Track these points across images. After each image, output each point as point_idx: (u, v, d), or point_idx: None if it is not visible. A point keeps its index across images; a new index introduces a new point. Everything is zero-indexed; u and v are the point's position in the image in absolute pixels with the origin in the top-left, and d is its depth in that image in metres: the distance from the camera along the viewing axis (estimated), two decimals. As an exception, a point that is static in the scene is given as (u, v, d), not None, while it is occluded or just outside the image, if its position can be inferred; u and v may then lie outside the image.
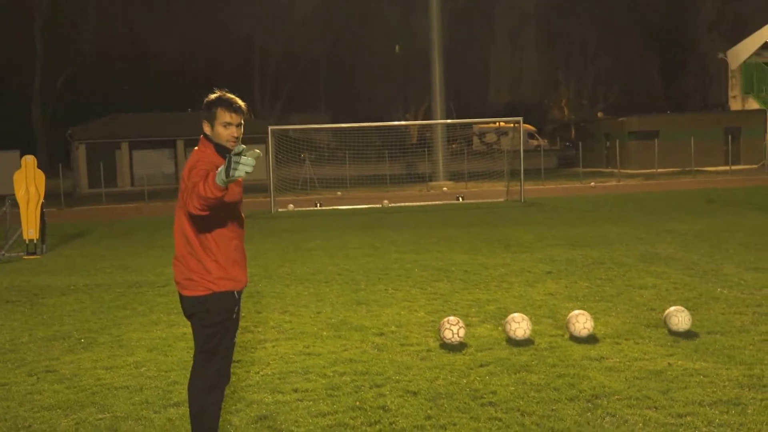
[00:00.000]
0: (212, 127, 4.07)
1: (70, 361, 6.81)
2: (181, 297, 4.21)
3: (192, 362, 4.31)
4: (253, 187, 40.32)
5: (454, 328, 6.80)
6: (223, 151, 4.04)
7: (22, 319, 8.75)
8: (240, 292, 4.26)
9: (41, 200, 15.31)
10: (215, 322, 4.13)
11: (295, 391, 5.71)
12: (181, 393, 5.72)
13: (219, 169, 3.58)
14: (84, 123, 46.66)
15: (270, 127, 27.37)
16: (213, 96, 4.11)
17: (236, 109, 4.06)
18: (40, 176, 15.38)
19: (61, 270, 12.80)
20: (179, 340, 7.41)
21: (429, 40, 40.20)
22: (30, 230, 15.04)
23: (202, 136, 4.14)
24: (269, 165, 26.44)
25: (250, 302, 9.18)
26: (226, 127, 4.05)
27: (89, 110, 50.42)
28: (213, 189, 3.58)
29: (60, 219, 24.48)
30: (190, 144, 46.61)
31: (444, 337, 6.81)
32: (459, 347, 6.70)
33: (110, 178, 41.21)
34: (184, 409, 5.38)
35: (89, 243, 17.18)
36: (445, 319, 6.96)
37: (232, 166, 3.48)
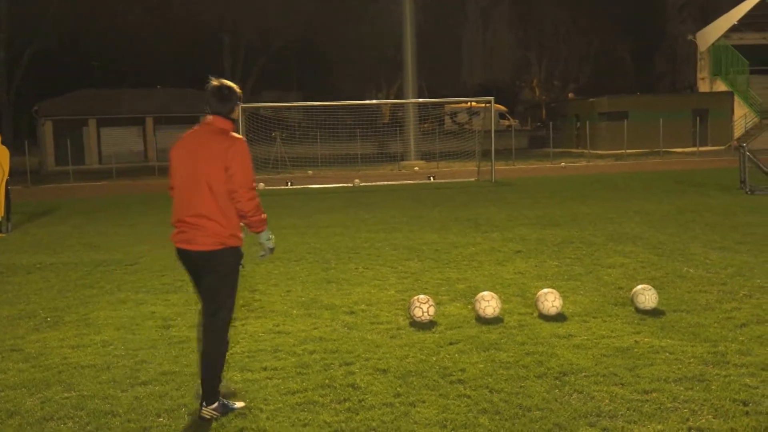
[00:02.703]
0: (238, 113, 4.93)
1: (35, 339, 6.72)
2: (197, 253, 4.69)
3: (203, 317, 4.80)
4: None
5: (423, 307, 6.81)
6: None
7: (-14, 298, 8.62)
8: None
9: (6, 177, 15.04)
10: (234, 270, 4.77)
11: (265, 369, 5.69)
12: (149, 372, 5.68)
13: (266, 234, 4.88)
14: (51, 99, 45.87)
15: (240, 105, 27.11)
16: (231, 83, 4.87)
17: None
18: (5, 153, 15.11)
19: (27, 248, 12.62)
20: (147, 318, 7.35)
21: (401, 18, 40.00)
22: (-5, 208, 14.78)
23: (231, 124, 4.83)
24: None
25: (219, 281, 9.13)
26: None
27: (56, 86, 49.48)
28: (259, 222, 4.80)
29: (26, 197, 24.12)
30: (159, 122, 46.11)
31: (414, 315, 6.82)
32: (429, 325, 6.72)
33: (77, 155, 40.62)
34: (152, 388, 5.34)
35: (56, 221, 16.94)
36: (415, 298, 6.97)
37: (265, 253, 4.96)
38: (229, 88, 4.81)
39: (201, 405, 4.76)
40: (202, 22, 53.96)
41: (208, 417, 4.73)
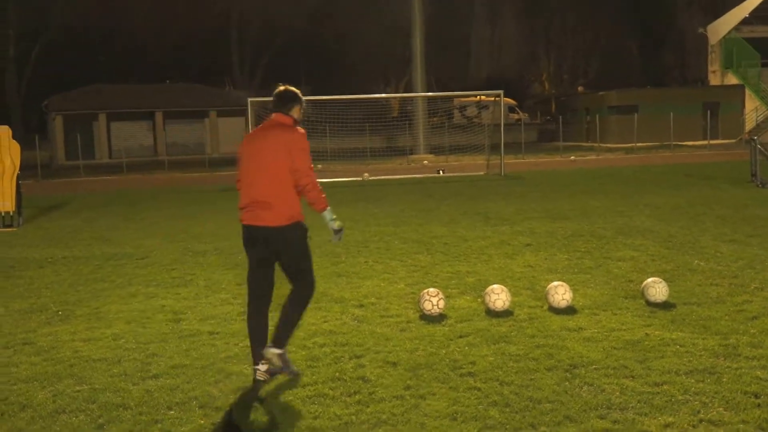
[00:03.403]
0: (300, 114, 5.57)
1: (47, 333, 6.76)
2: (270, 228, 5.24)
3: (292, 290, 5.38)
4: (233, 160, 40.08)
5: (433, 300, 6.81)
6: None
7: (-2, 292, 8.67)
8: None
9: (17, 172, 15.11)
10: (303, 241, 5.38)
11: (275, 362, 5.70)
12: (160, 365, 5.71)
13: (329, 214, 5.48)
14: (60, 94, 46.00)
15: (249, 99, 27.13)
16: (294, 89, 5.59)
17: None
18: (16, 147, 15.17)
19: (38, 242, 12.68)
20: (158, 312, 7.38)
21: (410, 12, 39.92)
22: (6, 202, 14.86)
23: (291, 119, 5.47)
24: (249, 138, 26.22)
25: (230, 274, 9.15)
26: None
27: (65, 81, 49.62)
28: (321, 201, 5.38)
29: (36, 191, 24.22)
30: (169, 116, 46.22)
31: (424, 308, 6.82)
32: (439, 318, 6.72)
33: (88, 150, 40.77)
34: (163, 381, 5.37)
35: (66, 215, 17.01)
36: (425, 291, 6.97)
37: (336, 236, 5.61)
38: (287, 91, 5.57)
39: (266, 346, 5.27)
40: (209, 17, 53.95)
41: (269, 357, 5.22)
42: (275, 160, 5.30)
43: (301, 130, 5.44)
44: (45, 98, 44.99)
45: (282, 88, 5.62)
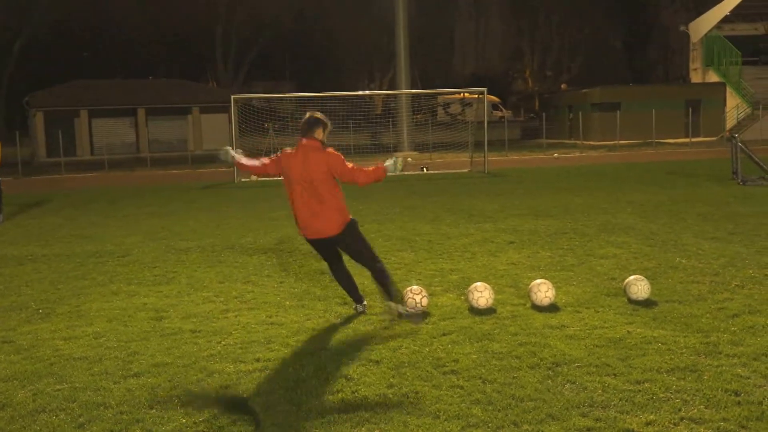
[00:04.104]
0: (325, 135, 6.55)
1: (27, 331, 6.70)
2: (329, 239, 6.50)
3: (370, 270, 6.59)
4: (216, 157, 39.82)
5: (416, 297, 6.81)
6: None
7: (-23, 290, 8.57)
8: None
9: (-3, 169, 14.98)
10: (356, 233, 6.56)
11: (258, 360, 5.69)
12: (141, 363, 5.67)
13: (391, 168, 6.56)
14: (42, 90, 45.59)
15: (233, 96, 27.02)
16: (321, 116, 6.54)
17: None
18: (-4, 144, 15.02)
19: (18, 239, 12.56)
20: (139, 310, 7.33)
21: (394, 7, 39.86)
22: (-14, 199, 14.70)
23: (317, 141, 6.49)
24: (233, 134, 26.15)
25: (213, 272, 9.11)
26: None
27: (47, 77, 49.19)
28: (378, 179, 6.60)
29: (17, 188, 24.01)
30: (151, 112, 45.91)
31: (407, 305, 6.81)
32: (421, 316, 6.71)
33: (69, 146, 40.44)
34: (144, 380, 5.33)
35: (47, 212, 16.88)
36: (408, 288, 6.97)
37: (398, 167, 6.56)
38: (311, 118, 6.48)
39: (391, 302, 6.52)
40: (194, 13, 53.65)
41: (400, 311, 6.50)
42: (320, 179, 6.37)
43: (331, 149, 6.47)
44: (26, 94, 44.56)
45: (307, 115, 6.49)
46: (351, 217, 6.61)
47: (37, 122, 43.56)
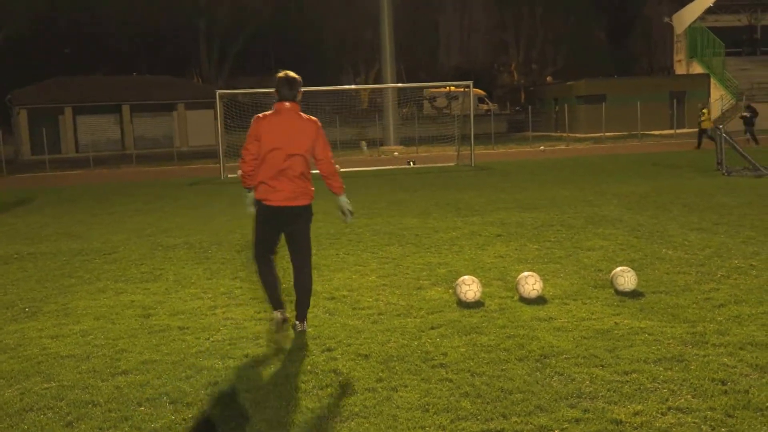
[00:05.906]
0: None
1: (14, 330, 6.66)
2: (290, 208, 5.97)
3: (305, 262, 6.19)
4: (202, 153, 39.73)
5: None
6: None
7: (-38, 289, 8.51)
8: None
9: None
10: (311, 218, 6.23)
11: (246, 356, 5.68)
12: (129, 361, 5.65)
13: (344, 198, 6.39)
14: (24, 87, 45.23)
15: (218, 92, 26.91)
16: (295, 74, 5.94)
17: None
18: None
19: (3, 238, 12.48)
20: (127, 308, 7.30)
21: (378, 1, 39.79)
22: (-30, 198, 14.61)
23: (298, 104, 5.95)
24: (218, 131, 26.04)
25: (200, 269, 9.09)
26: None
27: (29, 74, 48.79)
28: (339, 185, 6.30)
29: (1, 187, 23.82)
30: (136, 109, 45.69)
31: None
32: (409, 310, 6.72)
33: (54, 144, 40.24)
34: (132, 377, 5.31)
35: (32, 211, 16.76)
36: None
37: (347, 216, 6.50)
38: (290, 78, 5.90)
39: (296, 322, 6.14)
40: (175, 7, 53.32)
41: (300, 329, 6.10)
42: (302, 148, 5.92)
43: (317, 120, 6.02)
44: (8, 92, 44.20)
45: (283, 74, 5.93)
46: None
47: (20, 120, 43.26)
